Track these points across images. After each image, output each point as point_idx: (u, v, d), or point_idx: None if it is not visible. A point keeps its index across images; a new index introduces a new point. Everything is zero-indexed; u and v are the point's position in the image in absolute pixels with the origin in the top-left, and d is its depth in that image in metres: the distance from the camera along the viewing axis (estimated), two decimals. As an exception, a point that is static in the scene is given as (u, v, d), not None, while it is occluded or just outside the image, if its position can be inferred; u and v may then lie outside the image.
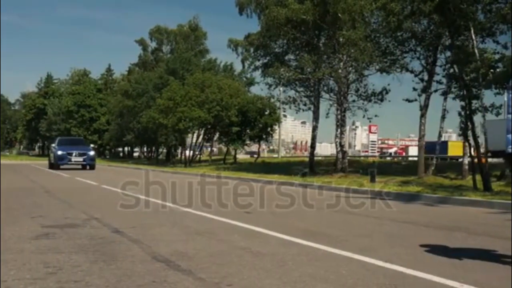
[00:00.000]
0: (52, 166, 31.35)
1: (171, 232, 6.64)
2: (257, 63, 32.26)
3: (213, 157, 48.49)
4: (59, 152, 30.48)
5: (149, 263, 4.78)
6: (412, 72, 23.43)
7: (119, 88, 66.70)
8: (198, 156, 47.70)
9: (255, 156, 46.00)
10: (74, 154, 30.38)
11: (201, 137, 45.21)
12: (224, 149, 49.82)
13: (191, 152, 46.28)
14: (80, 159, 30.50)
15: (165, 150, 57.90)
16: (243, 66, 54.81)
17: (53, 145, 33.12)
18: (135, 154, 74.92)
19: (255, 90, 71.61)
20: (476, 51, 15.40)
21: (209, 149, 54.99)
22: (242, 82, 50.00)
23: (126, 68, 77.91)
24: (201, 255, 5.17)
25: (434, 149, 23.55)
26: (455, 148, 41.76)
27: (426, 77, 22.86)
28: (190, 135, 45.07)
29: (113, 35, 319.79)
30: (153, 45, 69.21)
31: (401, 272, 4.51)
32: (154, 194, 12.52)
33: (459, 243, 6.06)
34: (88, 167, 30.89)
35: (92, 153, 31.56)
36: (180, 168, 35.64)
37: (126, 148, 76.33)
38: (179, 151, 51.09)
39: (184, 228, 7.03)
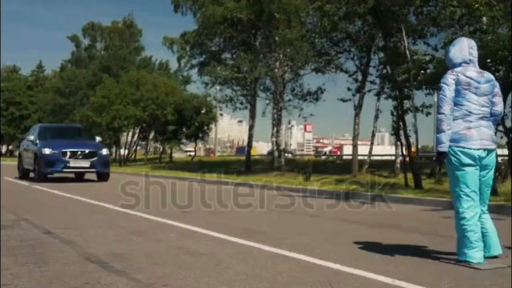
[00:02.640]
0: (26, 173, 19.23)
1: (105, 233, 6.50)
2: (193, 62, 32.24)
3: (148, 156, 47.94)
4: (47, 151, 17.25)
5: (82, 264, 4.66)
6: (346, 72, 23.91)
7: (50, 85, 64.96)
8: (133, 155, 47.04)
9: (191, 155, 45.75)
10: (73, 155, 17.44)
11: (136, 135, 44.61)
12: (160, 148, 49.31)
13: (126, 151, 45.60)
14: (85, 163, 17.54)
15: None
16: (179, 65, 54.49)
17: (31, 138, 18.82)
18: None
19: (192, 88, 71.13)
20: (407, 52, 15.79)
21: (144, 148, 54.31)
22: (178, 81, 49.71)
23: (58, 65, 76.00)
24: (136, 255, 5.09)
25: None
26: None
27: (360, 78, 23.36)
28: (125, 133, 44.40)
29: (44, 31, 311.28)
30: (86, 42, 67.73)
31: (335, 269, 4.57)
32: (88, 194, 12.25)
33: (392, 240, 6.19)
34: (97, 176, 18.46)
35: (104, 152, 18.36)
36: (114, 167, 34.99)
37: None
38: (113, 150, 50.25)
39: (119, 229, 6.90)
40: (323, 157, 52.05)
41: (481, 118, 4.93)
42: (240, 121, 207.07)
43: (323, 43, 23.47)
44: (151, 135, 44.13)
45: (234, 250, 5.44)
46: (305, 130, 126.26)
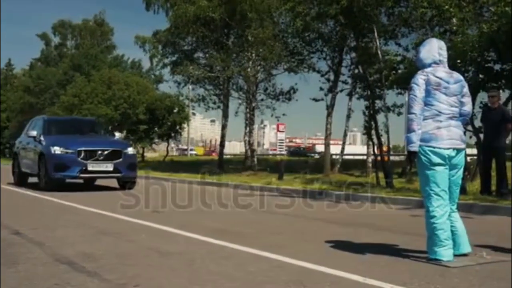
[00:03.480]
0: (23, 178, 15.42)
1: (75, 233, 6.43)
2: (166, 61, 32.05)
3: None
4: (57, 151, 13.25)
5: (52, 265, 4.60)
6: (318, 72, 24.05)
7: (20, 83, 63.98)
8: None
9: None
10: (92, 156, 13.32)
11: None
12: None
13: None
14: (108, 166, 13.43)
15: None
16: (151, 64, 54.19)
17: (33, 133, 14.67)
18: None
19: (164, 88, 70.78)
20: (379, 52, 15.94)
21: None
22: (150, 80, 49.41)
23: (27, 63, 74.92)
24: (107, 256, 5.04)
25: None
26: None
27: (332, 77, 23.51)
28: (96, 133, 43.90)
29: (13, 28, 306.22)
30: (56, 40, 66.90)
31: (307, 268, 4.58)
32: (59, 194, 12.10)
33: (363, 238, 6.23)
34: (121, 183, 14.23)
35: (131, 151, 14.43)
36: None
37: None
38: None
39: (89, 229, 6.84)
40: (316, 156, 50.82)
41: (451, 118, 4.99)
42: (212, 121, 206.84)
43: (296, 43, 23.59)
44: (123, 134, 43.76)
45: (207, 250, 5.42)
46: (277, 129, 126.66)
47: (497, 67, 11.37)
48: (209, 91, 28.91)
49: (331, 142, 24.53)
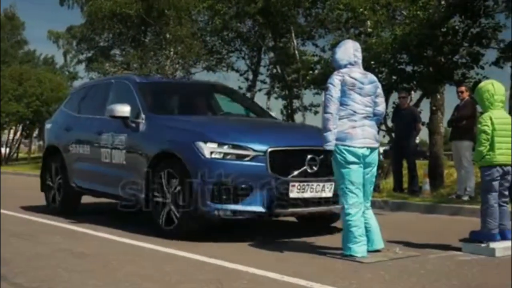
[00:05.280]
0: (75, 201, 8.32)
1: (-17, 236, 6.14)
2: (81, 57, 31.24)
3: (32, 155, 45.91)
4: (214, 153, 5.74)
5: (-43, 270, 4.38)
6: (237, 71, 24.14)
7: None
8: (16, 154, 44.88)
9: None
10: (296, 166, 5.77)
11: (19, 133, 42.61)
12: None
13: (8, 149, 43.43)
14: (326, 189, 5.87)
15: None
16: (65, 60, 52.60)
17: (123, 110, 6.72)
18: None
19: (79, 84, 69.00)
20: (296, 53, 16.18)
21: (28, 146, 51.98)
22: (64, 76, 47.94)
23: None
24: (18, 259, 4.85)
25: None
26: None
27: (251, 77, 23.65)
28: (6, 131, 42.26)
29: None
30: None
31: (225, 266, 4.58)
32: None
33: (281, 236, 6.28)
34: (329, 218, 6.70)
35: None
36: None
37: None
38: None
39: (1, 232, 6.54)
40: None
41: (365, 118, 5.12)
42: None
43: (215, 41, 23.56)
44: (35, 132, 42.32)
45: (123, 251, 5.32)
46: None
47: (409, 69, 11.78)
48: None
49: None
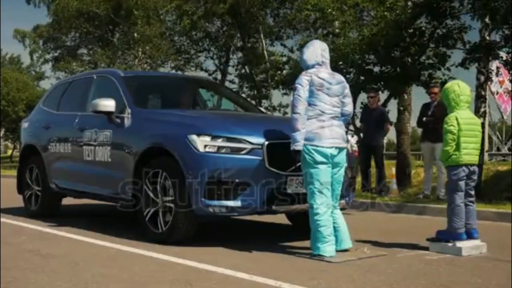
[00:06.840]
0: (55, 204, 8.04)
1: None
2: (47, 56, 30.86)
3: (-2, 156, 45.13)
4: (208, 146, 5.40)
5: None
6: (206, 71, 24.10)
7: None
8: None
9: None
10: (290, 162, 5.30)
11: (-16, 134, 41.89)
12: (11, 146, 46.62)
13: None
14: None
15: None
16: (32, 59, 51.84)
17: (107, 105, 6.36)
18: None
19: (45, 84, 67.90)
20: (265, 53, 16.22)
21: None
22: (30, 76, 47.24)
23: None
24: (-18, 261, 4.76)
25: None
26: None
27: (219, 77, 23.62)
28: (-29, 132, 41.50)
29: None
30: None
31: (194, 267, 4.57)
32: None
33: (250, 236, 6.30)
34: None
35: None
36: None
37: None
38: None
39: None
40: None
41: (333, 118, 5.16)
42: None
43: (183, 41, 23.50)
44: (1, 133, 41.61)
45: (91, 252, 5.27)
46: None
47: (376, 69, 11.87)
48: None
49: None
